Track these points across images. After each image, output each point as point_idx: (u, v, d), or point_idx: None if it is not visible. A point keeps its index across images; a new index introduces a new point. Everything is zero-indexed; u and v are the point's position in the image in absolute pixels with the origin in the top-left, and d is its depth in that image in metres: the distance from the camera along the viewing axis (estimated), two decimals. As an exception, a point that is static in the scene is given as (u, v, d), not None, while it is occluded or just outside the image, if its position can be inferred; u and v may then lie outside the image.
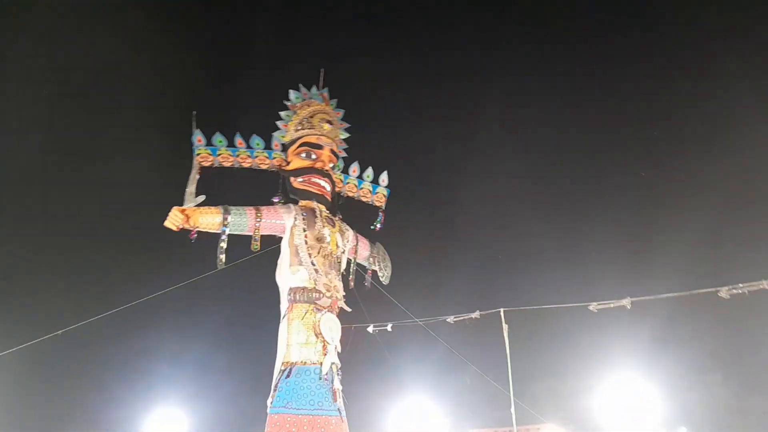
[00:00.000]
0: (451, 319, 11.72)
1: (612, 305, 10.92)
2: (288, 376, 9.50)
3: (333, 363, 9.72)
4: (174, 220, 9.41)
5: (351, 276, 11.35)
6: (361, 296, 11.69)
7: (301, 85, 11.42)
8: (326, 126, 11.04)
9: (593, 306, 11.03)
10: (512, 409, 11.06)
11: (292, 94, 11.30)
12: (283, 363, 9.62)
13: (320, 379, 9.49)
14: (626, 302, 10.72)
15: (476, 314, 11.69)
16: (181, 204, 9.67)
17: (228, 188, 11.60)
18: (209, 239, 9.86)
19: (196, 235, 9.58)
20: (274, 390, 9.48)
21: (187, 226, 9.49)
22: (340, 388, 9.72)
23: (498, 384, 12.04)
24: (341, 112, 11.78)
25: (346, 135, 11.89)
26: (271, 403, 9.41)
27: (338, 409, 9.55)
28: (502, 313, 11.46)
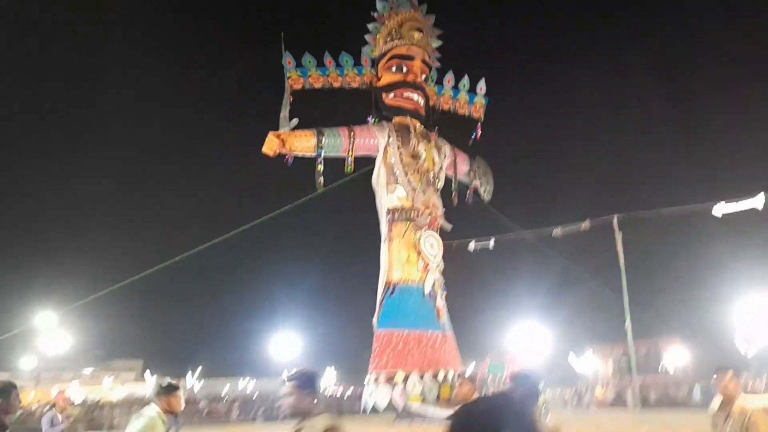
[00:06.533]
0: (558, 229, 11.07)
1: (742, 206, 9.64)
2: (392, 294, 9.60)
3: (435, 281, 9.67)
4: (271, 145, 9.47)
5: (453, 193, 11.05)
6: (463, 213, 11.39)
7: (388, -7, 10.81)
8: (416, 34, 10.46)
9: (719, 208, 9.80)
10: (627, 323, 10.46)
11: (378, 3, 10.74)
12: (386, 282, 9.73)
13: (423, 296, 9.50)
14: (759, 200, 9.38)
15: (586, 223, 10.92)
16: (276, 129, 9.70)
17: (320, 110, 11.49)
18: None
19: (291, 160, 9.63)
20: (379, 308, 9.64)
21: (283, 151, 9.54)
22: (444, 305, 9.68)
23: (614, 298, 11.45)
24: (432, 18, 11.10)
25: (439, 43, 11.25)
26: (377, 320, 9.62)
27: (443, 325, 9.57)
28: (615, 221, 10.59)
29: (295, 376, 2.22)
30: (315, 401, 2.12)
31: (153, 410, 3.56)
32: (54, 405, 6.13)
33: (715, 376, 2.65)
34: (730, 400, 2.59)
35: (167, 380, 4.03)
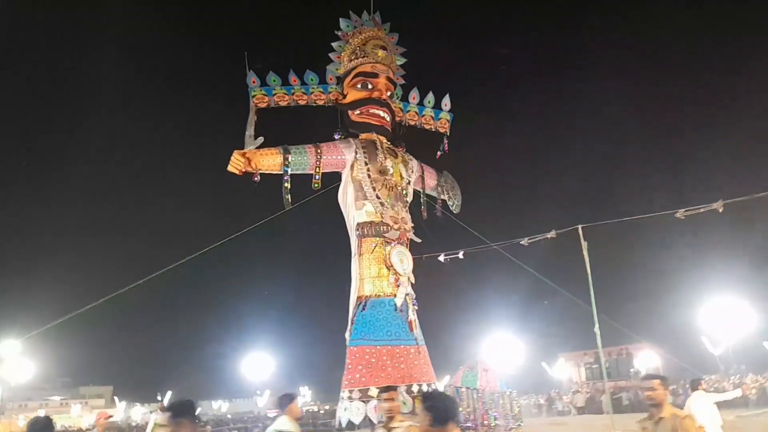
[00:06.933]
0: (525, 241, 11.24)
1: (702, 210, 9.95)
2: (363, 309, 9.57)
3: (407, 294, 9.70)
4: (236, 163, 9.41)
5: (423, 207, 11.14)
6: (432, 227, 11.48)
7: (351, 12, 10.93)
8: (380, 52, 10.56)
9: (681, 213, 10.10)
10: (596, 328, 10.61)
11: (342, 22, 10.82)
12: (357, 297, 9.72)
13: (395, 310, 9.52)
14: (718, 205, 9.72)
15: (552, 233, 11.11)
16: (242, 147, 9.66)
17: (287, 128, 11.50)
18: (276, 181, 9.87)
19: (259, 178, 9.60)
20: (351, 323, 9.60)
21: (249, 169, 9.49)
22: (416, 318, 9.73)
23: (583, 305, 11.63)
24: (396, 37, 11.24)
25: (403, 60, 11.39)
26: (349, 335, 9.59)
27: (415, 338, 9.60)
28: (580, 230, 10.80)
29: (169, 406, 2.22)
30: (192, 430, 2.12)
31: (283, 420, 3.73)
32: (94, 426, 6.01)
33: (645, 383, 2.77)
34: (658, 406, 2.69)
35: (284, 392, 4.20)
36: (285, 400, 4.16)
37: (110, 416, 7.10)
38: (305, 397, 35.18)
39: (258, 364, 22.98)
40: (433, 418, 2.17)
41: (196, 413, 2.30)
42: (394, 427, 2.76)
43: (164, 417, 2.08)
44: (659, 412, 2.72)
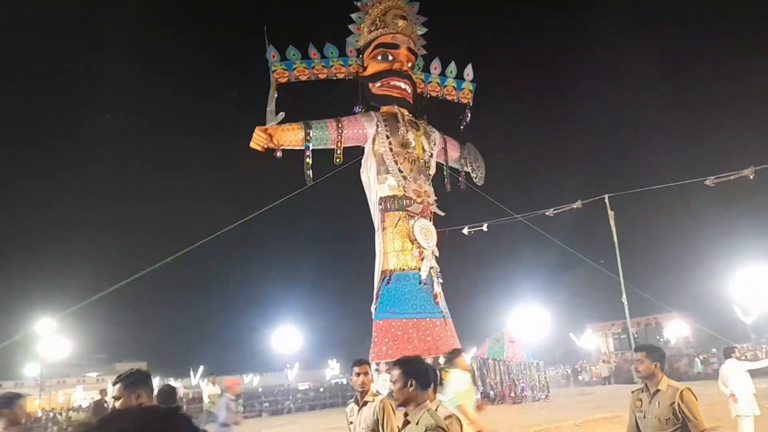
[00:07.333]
0: (550, 211, 11.08)
1: (733, 177, 9.68)
2: (388, 282, 9.62)
3: (431, 267, 9.70)
4: (258, 140, 9.42)
5: (446, 180, 11.05)
6: (456, 199, 11.40)
7: (370, -17, 10.72)
8: (401, 22, 10.40)
9: (710, 180, 9.84)
10: (623, 299, 10.48)
11: (361, -8, 10.67)
12: (382, 271, 9.76)
13: (420, 283, 9.54)
14: (749, 172, 9.44)
15: (578, 204, 10.91)
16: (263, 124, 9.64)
17: (308, 102, 11.44)
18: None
19: (281, 153, 9.59)
20: (377, 297, 9.66)
21: (271, 145, 9.49)
22: (441, 291, 9.73)
23: (610, 275, 11.48)
24: (416, 6, 11.04)
25: (424, 30, 11.19)
26: (375, 309, 9.65)
27: (441, 311, 9.62)
28: (606, 200, 10.60)
29: (121, 377, 2.15)
30: (150, 400, 2.05)
31: (456, 372, 4.02)
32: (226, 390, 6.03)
33: (636, 357, 2.72)
34: (650, 378, 2.63)
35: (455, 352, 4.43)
36: (454, 354, 4.53)
37: (239, 382, 6.93)
38: (333, 370, 35.73)
39: (287, 339, 23.36)
40: (414, 382, 2.03)
41: (152, 385, 2.23)
42: (367, 401, 2.71)
43: (116, 388, 1.94)
44: (654, 385, 2.64)
